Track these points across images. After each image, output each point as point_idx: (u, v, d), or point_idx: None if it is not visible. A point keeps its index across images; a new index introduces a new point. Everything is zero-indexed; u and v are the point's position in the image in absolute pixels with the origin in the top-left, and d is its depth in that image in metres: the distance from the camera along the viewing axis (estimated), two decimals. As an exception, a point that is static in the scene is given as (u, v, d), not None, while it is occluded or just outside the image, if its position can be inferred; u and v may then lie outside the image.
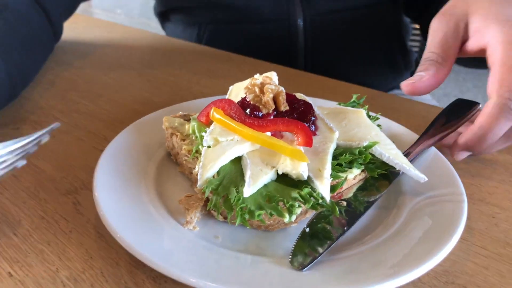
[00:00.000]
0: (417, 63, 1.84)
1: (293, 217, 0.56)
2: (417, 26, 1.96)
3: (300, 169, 0.59)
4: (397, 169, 0.65)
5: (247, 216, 0.54)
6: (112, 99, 1.06)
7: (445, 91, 4.38)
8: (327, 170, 0.60)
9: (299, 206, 0.57)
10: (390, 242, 0.58)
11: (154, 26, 2.16)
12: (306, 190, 0.57)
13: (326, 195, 0.57)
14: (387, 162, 0.65)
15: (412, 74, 1.77)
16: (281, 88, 0.72)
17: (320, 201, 0.57)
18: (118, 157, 0.73)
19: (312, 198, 0.57)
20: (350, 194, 0.67)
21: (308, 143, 0.63)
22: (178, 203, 0.62)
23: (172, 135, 0.74)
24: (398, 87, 1.63)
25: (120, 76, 1.20)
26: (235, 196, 0.56)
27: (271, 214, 0.55)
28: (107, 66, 1.27)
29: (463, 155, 0.77)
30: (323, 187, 0.57)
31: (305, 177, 0.59)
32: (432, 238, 0.57)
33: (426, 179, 0.65)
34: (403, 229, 0.60)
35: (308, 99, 0.76)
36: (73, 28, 1.61)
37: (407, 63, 1.62)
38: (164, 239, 0.58)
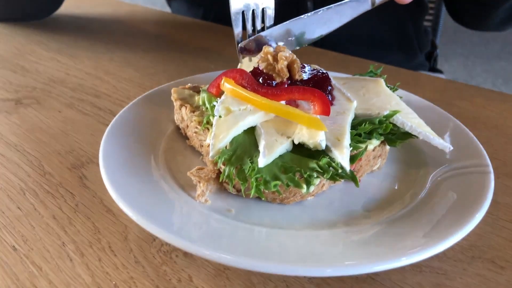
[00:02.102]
0: (432, 44, 1.78)
1: (311, 188, 0.53)
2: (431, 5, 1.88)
3: (318, 138, 0.55)
4: (421, 138, 0.62)
5: (262, 187, 0.51)
6: (118, 75, 1.02)
7: (454, 75, 4.30)
8: (347, 139, 0.57)
9: (317, 177, 0.54)
10: (413, 215, 0.55)
11: (160, 4, 2.11)
12: (324, 160, 0.54)
13: (346, 165, 0.53)
14: (410, 131, 0.62)
15: (426, 55, 1.71)
16: (296, 57, 0.68)
17: (340, 171, 0.53)
18: (125, 130, 0.69)
19: (331, 168, 0.54)
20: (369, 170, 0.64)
21: (326, 111, 0.60)
22: (188, 175, 0.58)
23: (181, 106, 0.71)
24: (413, 69, 1.58)
25: (126, 54, 1.16)
26: (249, 167, 0.53)
27: (287, 185, 0.52)
28: (113, 44, 1.23)
29: None
30: (343, 157, 0.54)
31: (323, 147, 0.55)
32: (457, 211, 0.54)
33: (452, 147, 0.62)
34: (427, 202, 0.57)
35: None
36: (78, 6, 1.57)
37: (421, 44, 1.56)
38: (175, 212, 0.55)
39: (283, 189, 0.55)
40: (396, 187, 0.63)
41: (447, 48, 4.78)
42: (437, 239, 0.49)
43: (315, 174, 0.53)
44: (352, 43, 1.39)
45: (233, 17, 0.73)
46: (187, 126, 0.70)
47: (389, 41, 1.46)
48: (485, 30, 1.44)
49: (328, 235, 0.53)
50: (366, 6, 0.73)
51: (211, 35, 1.31)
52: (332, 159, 0.55)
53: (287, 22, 0.74)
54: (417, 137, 0.62)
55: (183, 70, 1.06)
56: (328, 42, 1.37)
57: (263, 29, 0.76)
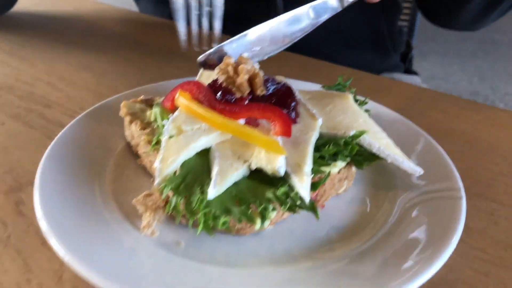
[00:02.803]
0: (407, 44, 1.75)
1: (266, 223, 0.48)
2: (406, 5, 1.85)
3: (276, 164, 0.50)
4: (389, 161, 0.57)
5: (211, 223, 0.46)
6: (73, 82, 0.95)
7: (431, 73, 4.33)
8: (308, 164, 0.51)
9: (274, 209, 0.48)
10: (379, 249, 0.50)
11: (127, 2, 2.02)
12: (282, 190, 0.48)
13: (306, 195, 0.48)
14: (377, 153, 0.57)
15: (402, 55, 1.68)
16: (258, 69, 0.63)
17: (299, 202, 0.48)
18: (69, 149, 0.63)
19: (289, 199, 0.48)
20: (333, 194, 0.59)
21: (287, 132, 0.55)
22: (134, 204, 0.52)
23: (131, 122, 0.64)
24: (388, 70, 1.54)
25: (85, 56, 1.08)
26: (198, 198, 0.47)
27: (240, 220, 0.46)
28: (71, 45, 1.15)
29: None
30: (303, 186, 0.49)
31: (282, 173, 0.50)
32: (426, 245, 0.49)
33: (422, 172, 0.58)
34: (394, 232, 0.53)
35: (290, 82, 0.67)
36: (37, 4, 1.48)
37: (395, 44, 1.52)
38: (116, 249, 0.48)
39: (234, 224, 0.49)
40: (362, 213, 0.58)
41: (424, 46, 4.81)
42: (405, 280, 0.44)
43: (270, 207, 0.47)
44: (324, 43, 1.34)
45: (174, 6, 0.67)
46: (138, 144, 0.64)
47: (361, 40, 1.42)
48: (456, 28, 1.42)
49: (288, 273, 0.48)
50: (336, 8, 0.68)
51: (177, 36, 1.24)
52: (291, 188, 0.50)
53: (251, 30, 0.68)
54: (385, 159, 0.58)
55: (144, 76, 0.99)
56: (299, 42, 1.32)
57: (211, 22, 0.70)
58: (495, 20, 1.29)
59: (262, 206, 0.47)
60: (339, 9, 0.69)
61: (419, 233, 0.52)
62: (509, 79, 4.13)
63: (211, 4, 0.83)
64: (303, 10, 0.68)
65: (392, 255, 0.49)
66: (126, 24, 1.35)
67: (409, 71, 1.66)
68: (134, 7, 1.65)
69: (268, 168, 0.50)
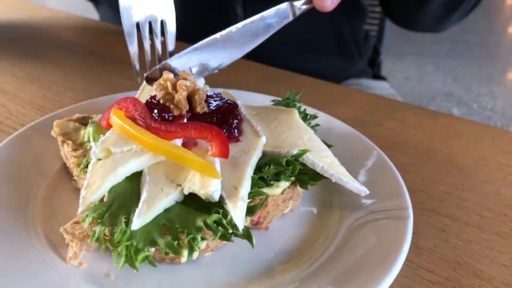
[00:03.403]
0: (375, 49, 1.74)
1: (195, 255, 0.45)
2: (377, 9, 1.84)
3: (210, 189, 0.47)
4: (333, 181, 0.55)
5: (134, 257, 0.42)
6: (17, 96, 0.90)
7: (406, 74, 4.37)
8: (245, 187, 0.49)
9: (204, 239, 0.45)
10: (320, 275, 0.48)
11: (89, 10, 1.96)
12: (214, 217, 0.45)
13: (240, 222, 0.45)
14: (321, 172, 0.55)
15: (369, 61, 1.67)
16: (200, 85, 0.60)
17: (231, 230, 0.45)
18: (-3, 172, 0.59)
19: (220, 227, 0.45)
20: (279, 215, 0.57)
21: (224, 153, 0.52)
22: (61, 232, 0.49)
23: (64, 143, 0.60)
24: (355, 76, 1.53)
25: (33, 68, 1.03)
26: (121, 229, 0.44)
27: (166, 253, 0.43)
28: (20, 55, 1.10)
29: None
30: (236, 212, 0.46)
31: (216, 198, 0.47)
32: (370, 268, 0.47)
33: (368, 192, 0.55)
34: (339, 256, 0.50)
35: (240, 94, 0.65)
36: (-10, 11, 1.42)
37: (361, 50, 1.50)
38: (39, 285, 0.45)
39: (160, 256, 0.46)
40: (308, 235, 0.56)
41: (399, 47, 4.86)
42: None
43: (199, 237, 0.44)
44: (286, 50, 1.32)
45: (126, 29, 0.63)
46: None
47: (325, 45, 1.40)
48: (420, 30, 1.42)
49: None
50: (288, 16, 0.65)
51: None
52: (225, 214, 0.47)
53: (202, 42, 0.64)
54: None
55: (93, 88, 0.94)
56: (260, 50, 1.30)
57: (164, 45, 0.66)
58: (458, 21, 1.29)
59: (189, 236, 0.43)
60: (291, 18, 0.66)
61: (364, 255, 0.49)
62: (481, 80, 4.21)
63: (163, 30, 0.78)
64: (254, 20, 0.65)
65: (335, 281, 0.46)
66: (82, 33, 1.30)
67: (377, 76, 1.65)
68: (96, 16, 1.60)
69: (202, 193, 0.47)
